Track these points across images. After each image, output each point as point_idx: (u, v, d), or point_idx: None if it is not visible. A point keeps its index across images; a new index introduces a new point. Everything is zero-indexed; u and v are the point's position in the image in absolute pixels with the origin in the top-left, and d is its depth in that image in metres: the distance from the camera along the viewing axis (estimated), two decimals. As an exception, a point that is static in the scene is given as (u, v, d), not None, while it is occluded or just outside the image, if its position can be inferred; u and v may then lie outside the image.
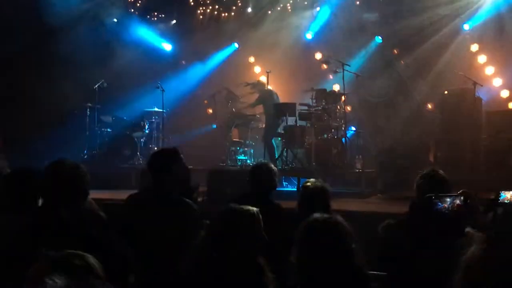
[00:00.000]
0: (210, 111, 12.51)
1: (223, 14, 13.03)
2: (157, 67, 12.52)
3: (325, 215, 2.70)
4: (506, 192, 3.23)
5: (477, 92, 9.25)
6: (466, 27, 11.27)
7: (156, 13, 13.11)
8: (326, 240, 2.52)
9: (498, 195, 3.16)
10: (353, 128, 11.04)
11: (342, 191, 8.75)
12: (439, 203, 3.33)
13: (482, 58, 11.16)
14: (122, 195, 4.52)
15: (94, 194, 4.05)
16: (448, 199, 3.34)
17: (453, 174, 8.02)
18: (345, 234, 2.57)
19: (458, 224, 3.16)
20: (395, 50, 11.92)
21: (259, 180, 4.52)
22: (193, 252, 2.77)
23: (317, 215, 2.69)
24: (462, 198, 3.33)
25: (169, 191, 3.76)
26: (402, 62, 11.91)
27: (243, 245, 2.66)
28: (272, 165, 4.75)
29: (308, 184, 4.22)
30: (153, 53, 12.98)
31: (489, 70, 11.01)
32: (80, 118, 11.02)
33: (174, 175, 3.76)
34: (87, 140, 10.91)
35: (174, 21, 13.32)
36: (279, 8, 12.52)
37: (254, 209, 2.82)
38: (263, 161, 4.86)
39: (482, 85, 9.49)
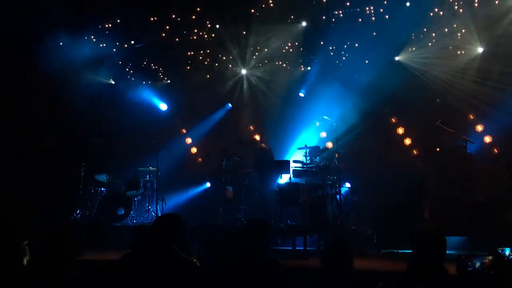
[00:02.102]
0: (204, 169, 12.54)
1: (217, 74, 13.28)
2: (152, 126, 12.62)
3: None
4: (505, 249, 3.23)
5: (468, 149, 9.37)
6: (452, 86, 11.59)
7: (151, 73, 13.34)
8: None
9: (497, 252, 3.16)
10: (348, 185, 11.05)
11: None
12: (469, 263, 3.32)
13: (471, 116, 11.40)
14: (115, 255, 4.43)
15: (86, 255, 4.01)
16: (476, 259, 3.33)
17: (448, 230, 8.07)
18: None
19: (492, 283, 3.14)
20: (386, 109, 12.15)
21: (255, 236, 4.47)
22: None
23: None
24: (490, 258, 3.32)
25: (171, 250, 3.93)
26: (393, 120, 12.12)
27: None
28: (266, 221, 4.71)
29: (332, 242, 4.21)
30: (148, 112, 13.12)
31: (479, 127, 11.20)
32: (74, 177, 10.95)
33: (176, 238, 4.02)
34: (81, 200, 10.80)
35: (169, 81, 13.54)
36: (271, 68, 12.81)
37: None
38: (257, 217, 4.83)
39: (473, 142, 9.64)
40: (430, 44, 11.35)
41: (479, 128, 11.20)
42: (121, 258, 4.00)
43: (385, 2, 10.72)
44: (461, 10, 10.48)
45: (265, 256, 4.27)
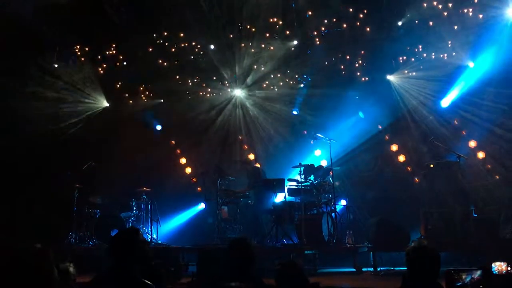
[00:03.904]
0: (199, 189, 12.50)
1: (209, 93, 13.34)
2: (146, 146, 12.61)
3: None
4: (497, 263, 3.24)
5: (461, 164, 9.42)
6: (444, 104, 11.69)
7: (144, 91, 13.37)
8: None
9: (490, 266, 3.17)
10: (343, 202, 11.03)
11: (333, 267, 8.62)
12: (459, 278, 3.32)
13: (463, 132, 11.48)
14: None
15: (79, 278, 3.97)
16: (465, 274, 3.34)
17: (444, 245, 8.06)
18: None
19: None
20: (379, 126, 12.22)
21: (238, 255, 4.49)
22: None
23: None
24: (479, 272, 3.32)
25: (127, 271, 3.65)
26: (387, 138, 12.18)
27: None
28: (248, 239, 4.73)
29: (281, 264, 4.26)
30: (143, 133, 13.10)
31: (471, 143, 11.27)
32: (68, 199, 10.88)
33: (130, 256, 3.69)
34: (74, 222, 10.70)
35: (161, 100, 13.52)
36: (264, 87, 12.89)
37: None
38: (240, 236, 4.84)
39: (466, 158, 9.70)
40: (422, 63, 11.51)
41: (472, 144, 11.27)
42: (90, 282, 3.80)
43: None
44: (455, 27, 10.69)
45: (247, 275, 4.27)
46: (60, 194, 11.02)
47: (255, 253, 4.51)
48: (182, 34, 11.77)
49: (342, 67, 12.09)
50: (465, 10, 10.51)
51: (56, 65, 11.87)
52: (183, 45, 11.97)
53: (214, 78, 12.70)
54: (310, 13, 11.14)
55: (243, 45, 11.67)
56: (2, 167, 10.68)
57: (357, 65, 11.99)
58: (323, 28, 11.44)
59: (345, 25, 11.28)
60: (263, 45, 11.64)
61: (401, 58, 11.62)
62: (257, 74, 12.50)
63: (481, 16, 10.40)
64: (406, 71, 11.78)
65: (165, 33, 11.74)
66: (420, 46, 11.26)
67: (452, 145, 10.49)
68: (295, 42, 11.71)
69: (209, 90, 13.16)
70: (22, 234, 9.31)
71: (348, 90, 12.41)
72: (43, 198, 10.93)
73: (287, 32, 11.56)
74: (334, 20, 11.24)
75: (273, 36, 11.51)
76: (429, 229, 9.19)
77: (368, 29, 11.17)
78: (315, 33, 11.55)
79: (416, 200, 10.33)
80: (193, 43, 11.95)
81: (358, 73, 12.10)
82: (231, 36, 11.61)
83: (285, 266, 4.11)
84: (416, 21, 10.86)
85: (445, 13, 10.54)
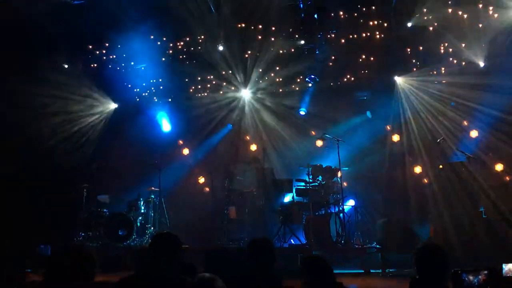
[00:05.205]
0: (207, 189, 12.50)
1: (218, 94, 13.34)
2: (155, 146, 12.64)
3: None
4: (507, 265, 3.22)
5: (471, 166, 9.34)
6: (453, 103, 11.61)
7: (153, 93, 13.39)
8: None
9: (500, 268, 3.14)
10: (352, 202, 10.97)
11: (341, 268, 8.57)
12: (466, 279, 3.31)
13: (474, 133, 11.38)
14: (116, 276, 4.40)
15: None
16: (472, 274, 3.32)
17: (453, 247, 7.99)
18: None
19: None
20: (388, 126, 12.15)
21: (258, 255, 4.47)
22: None
23: None
24: (486, 272, 3.30)
25: (171, 275, 3.79)
26: (395, 138, 12.10)
27: None
28: (269, 239, 4.72)
29: (307, 257, 4.20)
30: (151, 133, 13.13)
31: (482, 144, 11.16)
32: (76, 198, 10.93)
33: (177, 259, 3.86)
34: (83, 221, 10.75)
35: (169, 99, 13.52)
36: (272, 87, 12.86)
37: None
38: (259, 237, 4.86)
39: (475, 158, 9.62)
40: (431, 64, 11.44)
41: (482, 144, 11.16)
42: (120, 281, 3.88)
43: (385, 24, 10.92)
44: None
45: (268, 276, 4.26)
46: (68, 193, 11.06)
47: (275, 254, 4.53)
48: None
49: (351, 67, 12.05)
50: (476, 11, 10.43)
51: (66, 66, 11.93)
52: (191, 45, 12.00)
53: (222, 77, 12.69)
54: (318, 13, 11.12)
55: (251, 45, 11.65)
56: (11, 166, 10.74)
57: (366, 65, 11.93)
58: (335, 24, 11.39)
59: (353, 26, 11.25)
60: (271, 45, 11.61)
61: (409, 58, 11.55)
62: (265, 74, 12.47)
63: (495, 16, 10.33)
64: (414, 72, 11.71)
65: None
66: (429, 48, 11.19)
67: (462, 146, 10.40)
68: (302, 42, 11.67)
69: (217, 89, 13.14)
70: (30, 233, 9.36)
71: (357, 90, 12.36)
72: (51, 197, 10.97)
73: (295, 32, 11.53)
74: (343, 20, 11.20)
75: (281, 36, 11.47)
76: (438, 230, 9.13)
77: (377, 29, 11.12)
78: (323, 33, 11.54)
79: (425, 201, 10.25)
80: (202, 42, 11.97)
81: (367, 74, 12.04)
82: (239, 35, 11.61)
83: (310, 260, 4.08)
84: (426, 24, 10.81)
85: (456, 14, 10.47)
